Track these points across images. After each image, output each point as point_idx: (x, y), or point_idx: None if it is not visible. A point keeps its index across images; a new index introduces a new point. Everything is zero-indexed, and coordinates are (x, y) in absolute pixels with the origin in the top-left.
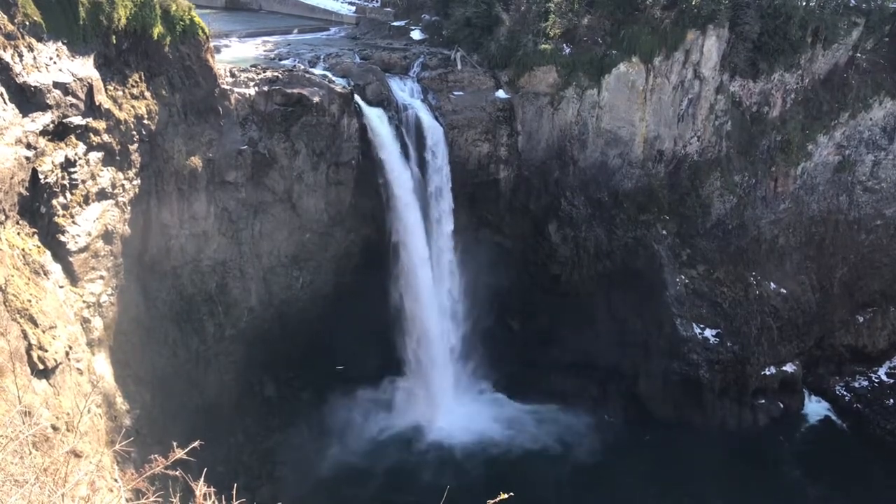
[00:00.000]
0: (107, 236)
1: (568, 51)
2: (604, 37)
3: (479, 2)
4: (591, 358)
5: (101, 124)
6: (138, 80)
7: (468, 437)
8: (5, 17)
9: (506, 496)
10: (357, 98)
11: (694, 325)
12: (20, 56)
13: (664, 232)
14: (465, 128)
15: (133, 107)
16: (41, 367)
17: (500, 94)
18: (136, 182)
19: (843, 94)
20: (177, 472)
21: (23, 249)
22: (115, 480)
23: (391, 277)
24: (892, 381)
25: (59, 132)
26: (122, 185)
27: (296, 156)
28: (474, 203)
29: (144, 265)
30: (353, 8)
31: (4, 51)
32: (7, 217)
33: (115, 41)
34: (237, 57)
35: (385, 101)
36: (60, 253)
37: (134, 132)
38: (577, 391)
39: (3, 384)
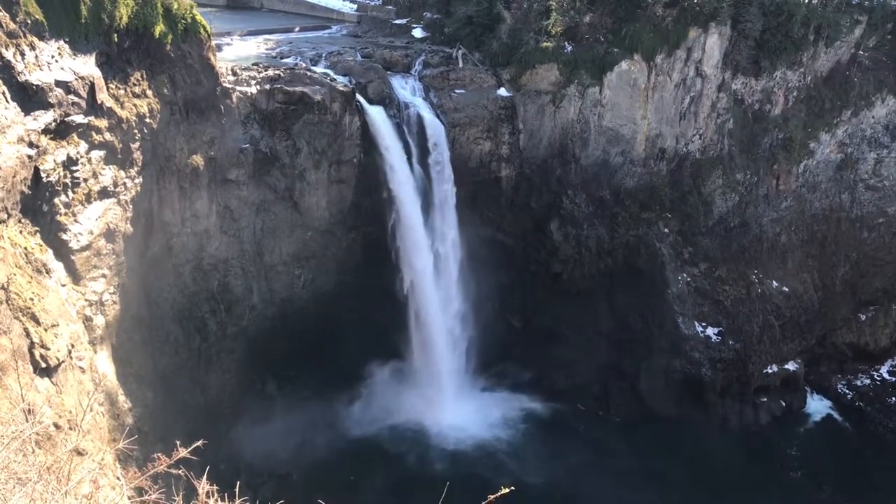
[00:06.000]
0: (109, 234)
1: (569, 49)
2: (605, 35)
3: (480, 0)
4: (593, 356)
5: (102, 123)
6: (140, 78)
7: (470, 434)
8: (7, 15)
9: (507, 490)
10: (358, 96)
11: (696, 323)
12: (22, 54)
13: (666, 230)
14: (466, 126)
15: (135, 105)
16: (43, 365)
17: (502, 92)
18: (138, 180)
19: (845, 92)
20: (179, 471)
21: (25, 248)
22: (118, 478)
23: (393, 275)
24: (894, 379)
25: (60, 131)
26: (124, 184)
27: (297, 154)
28: (476, 201)
29: (146, 263)
30: (355, 6)
31: (6, 49)
32: (9, 216)
33: (116, 39)
34: (239, 55)
35: (387, 99)
36: (62, 251)
37: (136, 130)
38: (579, 389)
39: (5, 382)
